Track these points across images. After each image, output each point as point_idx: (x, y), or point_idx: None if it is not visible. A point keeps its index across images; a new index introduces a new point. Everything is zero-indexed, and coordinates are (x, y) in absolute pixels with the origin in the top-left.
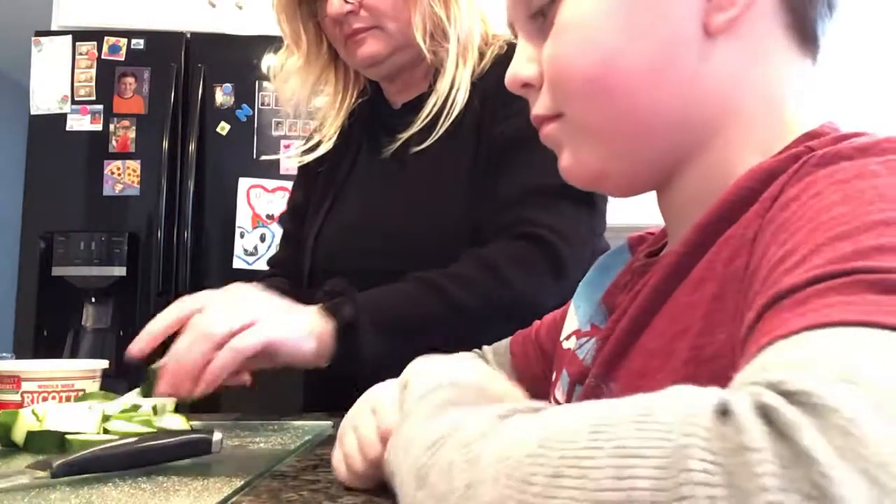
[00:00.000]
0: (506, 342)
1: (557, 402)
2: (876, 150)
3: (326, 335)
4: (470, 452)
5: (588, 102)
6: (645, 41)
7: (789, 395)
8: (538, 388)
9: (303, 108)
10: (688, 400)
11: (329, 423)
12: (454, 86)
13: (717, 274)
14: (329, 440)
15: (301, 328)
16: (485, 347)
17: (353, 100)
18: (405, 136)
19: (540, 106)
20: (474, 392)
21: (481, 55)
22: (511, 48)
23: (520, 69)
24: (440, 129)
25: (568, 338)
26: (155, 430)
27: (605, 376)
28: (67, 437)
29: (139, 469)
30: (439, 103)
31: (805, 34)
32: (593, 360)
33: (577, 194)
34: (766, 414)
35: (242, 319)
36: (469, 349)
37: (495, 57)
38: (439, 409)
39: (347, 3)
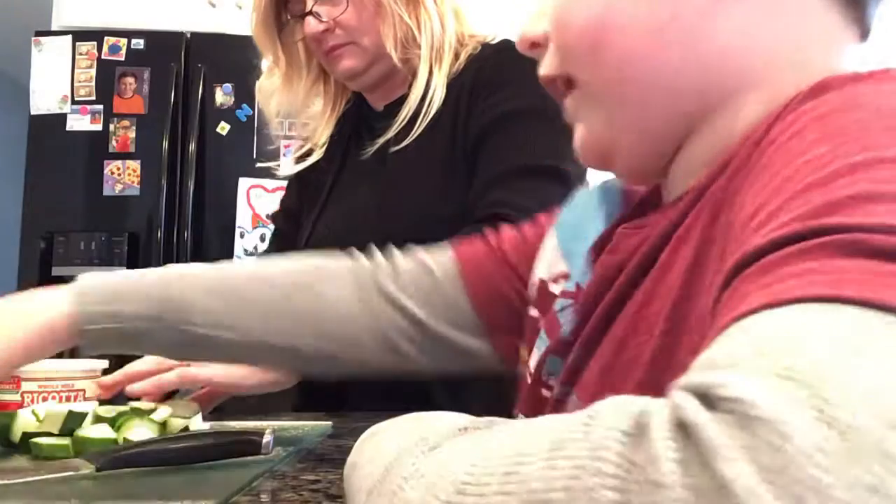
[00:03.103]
0: (445, 249)
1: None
2: (872, 78)
3: None
4: (396, 500)
5: (585, 58)
6: None
7: (716, 404)
8: (499, 309)
9: (298, 118)
10: (603, 422)
11: (329, 423)
12: (429, 88)
13: (697, 235)
14: (329, 440)
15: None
16: (394, 252)
17: (342, 108)
18: (383, 139)
19: (545, 65)
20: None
21: (457, 55)
22: (485, 48)
23: (528, 27)
24: (417, 130)
25: (556, 280)
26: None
27: (584, 350)
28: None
29: (178, 466)
30: (414, 106)
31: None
32: (572, 332)
33: (550, 172)
34: (684, 434)
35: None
36: None
37: (469, 57)
38: (377, 449)
39: (321, 22)
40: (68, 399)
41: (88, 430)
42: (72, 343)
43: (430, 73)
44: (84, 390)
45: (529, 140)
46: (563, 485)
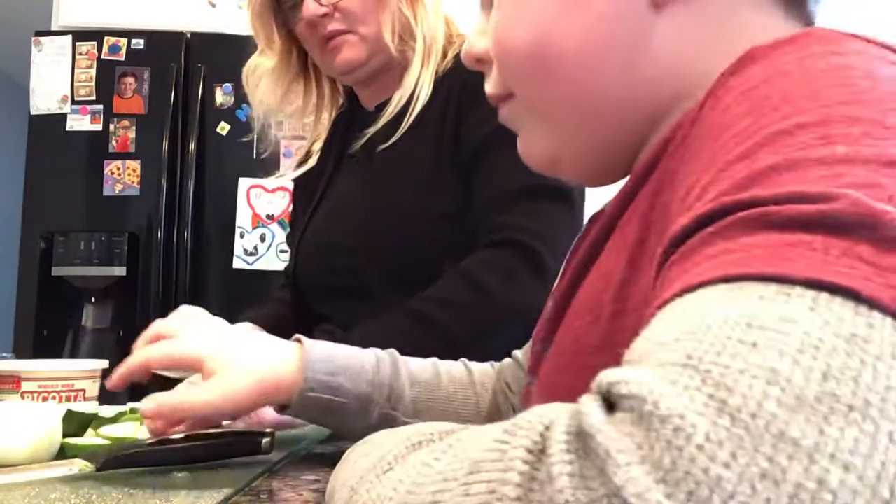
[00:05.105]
0: None
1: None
2: (795, 43)
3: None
4: None
5: (529, 80)
6: (582, 14)
7: (618, 403)
8: None
9: (272, 116)
10: (515, 439)
11: None
12: (418, 84)
13: (640, 214)
14: (329, 440)
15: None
16: (515, 353)
17: (334, 112)
18: (370, 131)
19: (491, 83)
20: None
21: (445, 54)
22: None
23: (472, 43)
24: (405, 126)
25: None
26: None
27: (545, 340)
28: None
29: (176, 466)
30: (403, 101)
31: None
32: (546, 322)
33: (554, 192)
34: (581, 444)
35: None
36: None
37: (457, 56)
38: (347, 473)
39: (322, 5)
40: (68, 399)
41: (108, 430)
42: (282, 402)
43: (421, 67)
44: (84, 390)
45: None
46: None
